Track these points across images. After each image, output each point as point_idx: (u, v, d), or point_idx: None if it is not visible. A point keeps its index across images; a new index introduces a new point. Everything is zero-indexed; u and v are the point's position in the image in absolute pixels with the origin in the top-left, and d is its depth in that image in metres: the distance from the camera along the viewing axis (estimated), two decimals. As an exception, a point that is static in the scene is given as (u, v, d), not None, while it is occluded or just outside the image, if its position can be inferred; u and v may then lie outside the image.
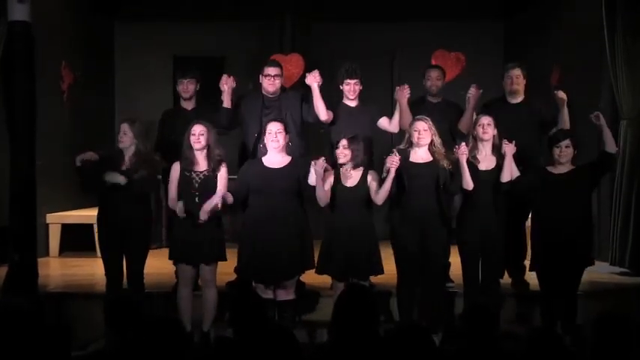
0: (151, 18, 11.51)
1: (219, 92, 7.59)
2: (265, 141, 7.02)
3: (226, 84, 7.57)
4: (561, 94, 7.53)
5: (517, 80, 7.71)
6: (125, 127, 7.04)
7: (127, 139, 7.02)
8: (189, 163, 6.95)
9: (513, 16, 11.67)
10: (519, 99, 7.76)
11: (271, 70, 7.61)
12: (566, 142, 6.90)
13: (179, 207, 6.84)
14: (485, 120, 7.03)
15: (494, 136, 7.02)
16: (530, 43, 10.92)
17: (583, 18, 9.70)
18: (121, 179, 6.88)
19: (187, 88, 7.83)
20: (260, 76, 7.64)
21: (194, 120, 7.09)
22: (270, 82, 7.57)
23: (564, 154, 6.90)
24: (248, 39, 11.62)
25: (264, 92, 7.63)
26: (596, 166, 7.02)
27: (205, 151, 6.95)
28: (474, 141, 7.05)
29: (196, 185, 6.94)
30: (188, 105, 7.89)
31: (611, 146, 7.02)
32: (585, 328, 4.60)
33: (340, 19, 11.57)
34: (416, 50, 10.76)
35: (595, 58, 9.35)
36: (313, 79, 7.47)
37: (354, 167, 6.96)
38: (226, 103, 7.59)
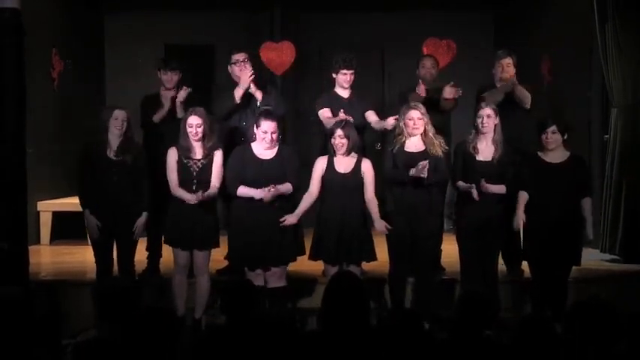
0: (141, 6, 11.47)
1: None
2: (257, 137, 6.98)
3: (249, 79, 7.56)
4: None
5: (507, 68, 7.72)
6: (124, 114, 7.05)
7: (125, 126, 7.04)
8: (185, 151, 6.97)
9: (502, 4, 11.65)
10: None
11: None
12: (552, 128, 6.88)
13: (191, 196, 6.83)
14: (485, 112, 6.98)
15: (495, 125, 6.98)
16: (519, 31, 10.91)
17: (573, 5, 9.69)
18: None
19: (172, 78, 7.83)
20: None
21: (190, 109, 7.07)
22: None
23: (551, 141, 6.88)
24: (238, 28, 11.59)
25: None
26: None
27: (201, 139, 6.96)
28: (475, 131, 7.03)
29: (194, 173, 6.96)
30: (169, 93, 7.83)
31: None
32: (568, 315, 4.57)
33: (329, 9, 11.56)
34: (406, 40, 10.75)
35: (585, 45, 9.35)
36: None
37: (348, 154, 6.97)
38: (237, 98, 7.59)
